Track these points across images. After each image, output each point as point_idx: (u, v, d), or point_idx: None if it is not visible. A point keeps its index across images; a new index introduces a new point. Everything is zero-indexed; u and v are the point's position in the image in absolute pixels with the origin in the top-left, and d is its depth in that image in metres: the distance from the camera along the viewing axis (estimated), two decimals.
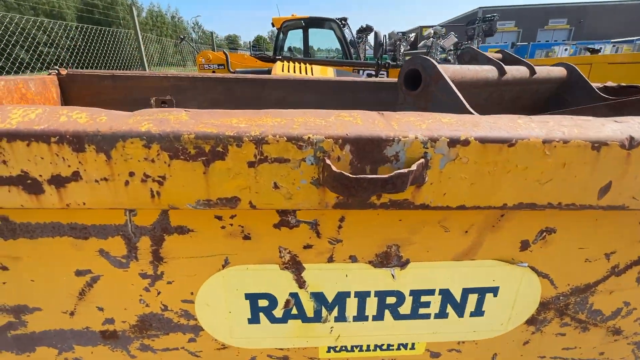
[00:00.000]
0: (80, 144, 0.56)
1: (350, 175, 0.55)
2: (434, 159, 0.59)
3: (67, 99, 2.52)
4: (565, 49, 23.66)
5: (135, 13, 7.76)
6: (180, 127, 0.57)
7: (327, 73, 5.51)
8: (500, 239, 0.74)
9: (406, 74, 1.15)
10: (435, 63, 1.08)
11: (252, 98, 2.51)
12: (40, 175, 0.58)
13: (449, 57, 7.79)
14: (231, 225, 0.70)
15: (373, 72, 6.17)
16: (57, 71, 2.43)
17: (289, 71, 5.44)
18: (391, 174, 0.56)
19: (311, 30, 7.09)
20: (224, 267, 0.74)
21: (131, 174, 0.58)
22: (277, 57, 6.23)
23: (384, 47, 6.38)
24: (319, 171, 0.59)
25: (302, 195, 0.60)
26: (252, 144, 0.56)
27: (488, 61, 1.44)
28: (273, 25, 6.58)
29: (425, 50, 8.36)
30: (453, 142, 0.58)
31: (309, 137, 0.57)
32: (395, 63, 5.99)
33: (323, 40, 8.16)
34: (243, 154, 0.57)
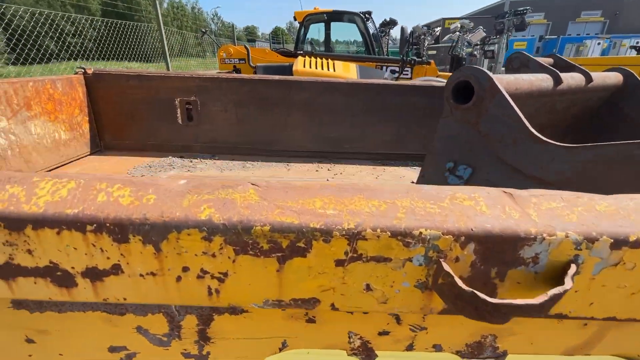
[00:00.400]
0: (124, 234, 0.47)
1: (489, 300, 0.42)
2: (587, 262, 0.46)
3: (93, 98, 2.53)
4: (598, 43, 22.27)
5: (157, 5, 7.80)
6: (250, 215, 0.46)
7: (350, 69, 5.37)
8: (628, 332, 0.62)
9: (455, 86, 1.04)
10: (491, 75, 0.97)
11: (278, 99, 2.45)
12: (73, 267, 0.49)
13: (475, 52, 7.47)
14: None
15: (396, 69, 5.99)
16: (83, 70, 2.44)
17: (310, 67, 5.33)
18: (545, 299, 0.42)
19: (333, 24, 6.93)
20: (280, 350, 0.65)
21: (185, 269, 0.49)
22: (299, 51, 6.13)
23: (410, 42, 6.17)
24: (428, 273, 0.48)
25: (400, 299, 0.50)
26: (343, 240, 0.46)
27: (541, 68, 1.31)
28: (295, 20, 6.47)
29: (450, 44, 8.06)
30: (618, 244, 0.45)
31: (420, 233, 0.45)
32: (420, 59, 5.78)
33: (344, 34, 8.00)
34: (331, 250, 0.46)
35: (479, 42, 7.32)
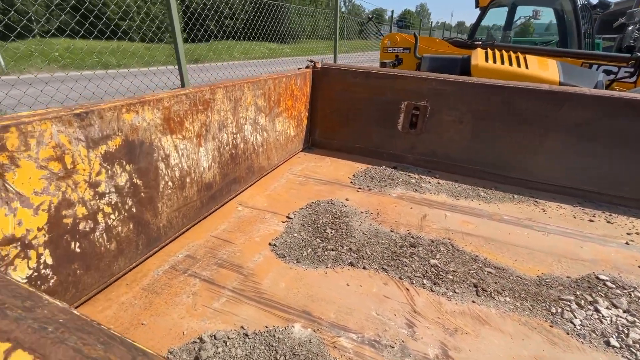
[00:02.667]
0: None
1: None
2: None
3: (314, 94, 2.47)
4: None
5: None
6: None
7: (548, 66, 4.32)
8: None
9: None
10: None
11: (537, 115, 1.91)
12: None
13: None
14: None
15: (613, 69, 4.60)
16: (313, 64, 2.36)
17: (495, 61, 4.49)
18: None
19: (520, 9, 5.76)
20: None
21: None
22: (476, 41, 5.29)
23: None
24: None
25: None
26: None
27: None
28: (477, 6, 5.60)
29: None
30: None
31: None
32: None
33: (525, 23, 6.63)
34: None
35: None
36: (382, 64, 5.32)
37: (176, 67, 3.13)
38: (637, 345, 1.00)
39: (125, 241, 1.13)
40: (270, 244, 1.41)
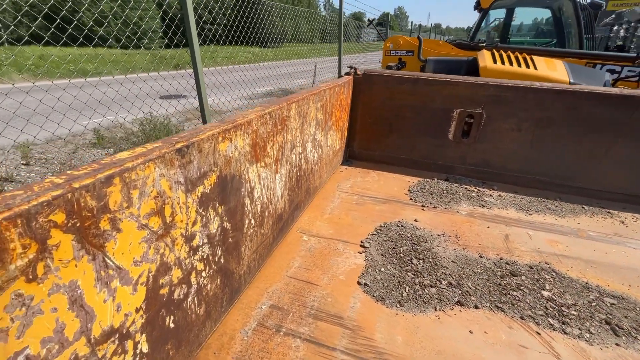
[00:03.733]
0: None
1: None
2: None
3: (354, 102, 2.28)
4: None
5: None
6: None
7: (556, 66, 4.32)
8: None
9: None
10: None
11: (608, 122, 1.81)
12: None
13: None
14: None
15: (616, 68, 4.69)
16: (354, 70, 2.18)
17: (503, 62, 4.45)
18: None
19: (519, 10, 5.81)
20: None
21: None
22: (480, 43, 5.28)
23: None
24: None
25: None
26: None
27: None
28: (476, 8, 5.60)
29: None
30: None
31: None
32: None
33: (525, 22, 6.72)
34: None
35: None
36: (388, 67, 5.22)
37: (159, 73, 2.87)
38: None
39: (213, 300, 0.90)
40: (360, 283, 1.21)
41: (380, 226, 1.57)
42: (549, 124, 1.87)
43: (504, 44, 5.32)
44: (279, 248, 1.38)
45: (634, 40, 6.25)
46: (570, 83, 4.09)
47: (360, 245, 1.43)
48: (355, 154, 2.35)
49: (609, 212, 1.75)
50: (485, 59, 4.62)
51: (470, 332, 1.03)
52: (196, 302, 0.82)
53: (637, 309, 1.14)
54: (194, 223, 0.76)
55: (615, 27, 7.02)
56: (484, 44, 5.17)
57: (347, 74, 2.15)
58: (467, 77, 2.01)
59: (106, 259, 0.55)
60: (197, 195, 0.76)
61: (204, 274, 0.83)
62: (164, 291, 0.70)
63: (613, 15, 7.26)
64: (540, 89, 1.84)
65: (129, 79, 4.20)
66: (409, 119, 2.13)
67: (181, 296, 0.76)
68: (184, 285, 0.76)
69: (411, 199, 1.84)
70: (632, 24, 6.14)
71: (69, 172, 0.53)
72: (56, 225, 0.47)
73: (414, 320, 1.07)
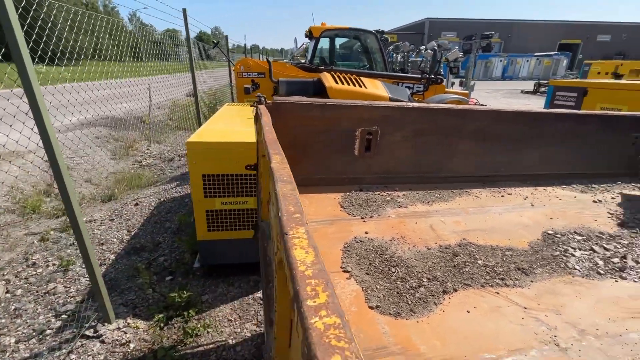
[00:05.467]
0: None
1: None
2: None
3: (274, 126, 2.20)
4: (500, 60, 27.38)
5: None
6: None
7: (377, 85, 5.55)
8: None
9: None
10: None
11: (452, 128, 2.53)
12: None
13: (453, 69, 8.40)
14: None
15: (410, 85, 6.43)
16: (262, 99, 2.13)
17: (342, 83, 5.38)
18: None
19: (338, 40, 7.02)
20: None
21: None
22: (320, 67, 6.08)
23: (440, 61, 6.66)
24: None
25: None
26: None
27: None
28: (307, 35, 6.37)
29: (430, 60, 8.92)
30: None
31: None
32: (436, 78, 6.28)
33: (340, 50, 8.17)
34: None
35: (454, 60, 8.31)
36: (246, 90, 5.25)
37: None
38: None
39: None
40: (371, 307, 1.25)
41: (344, 247, 1.64)
42: (422, 134, 2.44)
43: (333, 67, 6.33)
44: None
45: (409, 65, 8.59)
46: (389, 99, 5.29)
47: (344, 271, 1.47)
48: None
49: (467, 192, 2.46)
50: (329, 80, 5.34)
51: (468, 311, 1.28)
52: None
53: (523, 253, 1.70)
54: None
55: (394, 55, 9.36)
56: (322, 67, 6.00)
57: (259, 102, 2.09)
58: (364, 102, 2.36)
59: None
60: None
61: None
62: None
63: (392, 47, 9.80)
64: (413, 109, 2.39)
65: None
66: (321, 142, 2.29)
67: None
68: None
69: (348, 213, 2.00)
70: (406, 53, 8.53)
71: None
72: None
73: (430, 321, 1.22)
